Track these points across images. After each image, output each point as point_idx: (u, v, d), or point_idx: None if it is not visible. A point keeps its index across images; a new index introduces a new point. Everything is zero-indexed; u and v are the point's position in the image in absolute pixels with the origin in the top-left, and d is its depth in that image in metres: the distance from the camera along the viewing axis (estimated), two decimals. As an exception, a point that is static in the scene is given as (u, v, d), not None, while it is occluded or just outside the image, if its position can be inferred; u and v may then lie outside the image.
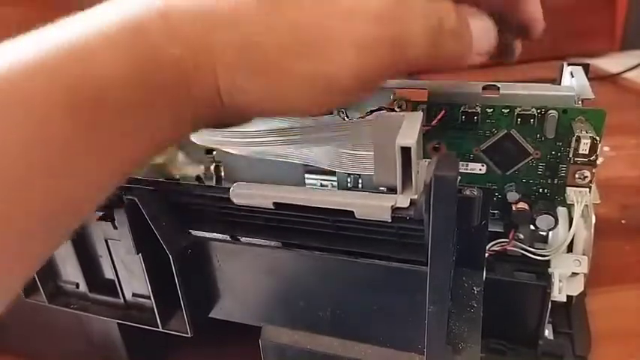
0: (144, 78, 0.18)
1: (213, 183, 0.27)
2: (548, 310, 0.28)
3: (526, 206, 0.27)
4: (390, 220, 0.20)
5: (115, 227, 0.25)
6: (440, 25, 0.20)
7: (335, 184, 0.31)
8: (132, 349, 0.32)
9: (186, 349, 0.32)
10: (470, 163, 0.29)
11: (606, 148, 0.57)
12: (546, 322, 0.29)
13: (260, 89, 0.19)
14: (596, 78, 0.77)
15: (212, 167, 0.26)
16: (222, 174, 0.27)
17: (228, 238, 0.25)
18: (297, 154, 0.26)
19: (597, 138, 0.26)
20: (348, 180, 0.31)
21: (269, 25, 0.18)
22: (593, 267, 0.30)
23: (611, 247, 0.40)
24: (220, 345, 0.31)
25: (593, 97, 0.27)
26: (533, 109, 0.27)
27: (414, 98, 0.28)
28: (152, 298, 0.26)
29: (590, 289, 0.34)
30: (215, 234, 0.25)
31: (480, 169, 0.29)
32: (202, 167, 0.26)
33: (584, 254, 0.28)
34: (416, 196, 0.21)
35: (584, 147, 0.26)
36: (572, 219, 0.27)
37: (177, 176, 0.31)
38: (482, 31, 0.22)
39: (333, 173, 0.30)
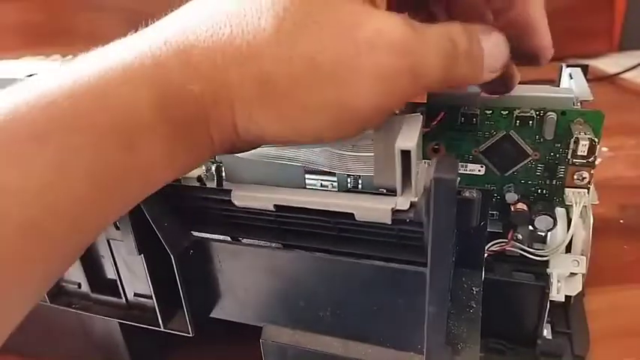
0: (165, 114, 0.18)
1: (215, 183, 0.27)
2: (547, 310, 0.28)
3: (525, 207, 0.28)
4: (390, 223, 0.21)
5: (117, 228, 0.25)
6: (454, 48, 0.20)
7: (335, 184, 0.31)
8: (133, 349, 0.32)
9: (187, 348, 0.33)
10: (469, 164, 0.29)
11: (604, 149, 0.57)
12: (545, 321, 0.29)
13: (276, 123, 0.19)
14: (594, 78, 0.78)
15: (213, 168, 0.27)
16: (224, 174, 0.27)
17: (229, 239, 0.25)
18: (298, 156, 0.26)
19: (596, 139, 0.26)
20: (349, 180, 0.31)
21: (286, 58, 0.18)
22: (592, 267, 0.30)
23: (609, 247, 0.40)
24: (221, 345, 0.31)
25: (592, 98, 0.28)
26: (532, 111, 0.27)
27: (413, 100, 0.28)
28: (154, 298, 0.26)
29: (588, 288, 0.34)
30: (216, 235, 0.25)
31: (479, 170, 0.29)
32: (204, 168, 0.27)
33: (582, 254, 0.28)
34: (416, 199, 0.21)
35: (583, 148, 0.26)
36: (571, 220, 0.27)
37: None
38: (493, 47, 0.22)
39: (333, 174, 0.30)
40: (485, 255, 0.24)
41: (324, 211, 0.22)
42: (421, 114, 0.23)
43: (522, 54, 0.24)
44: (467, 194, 0.19)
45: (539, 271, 0.28)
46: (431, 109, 0.28)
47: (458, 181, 0.18)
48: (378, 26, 0.18)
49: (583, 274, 0.28)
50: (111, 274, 0.28)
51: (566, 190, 0.28)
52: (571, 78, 0.31)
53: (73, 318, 0.31)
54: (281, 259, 0.24)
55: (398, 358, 0.23)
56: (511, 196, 0.28)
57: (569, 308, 0.32)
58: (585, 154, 0.26)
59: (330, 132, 0.20)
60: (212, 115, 0.18)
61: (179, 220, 0.25)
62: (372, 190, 0.24)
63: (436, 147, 0.29)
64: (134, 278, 0.28)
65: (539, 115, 0.27)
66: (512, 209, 0.28)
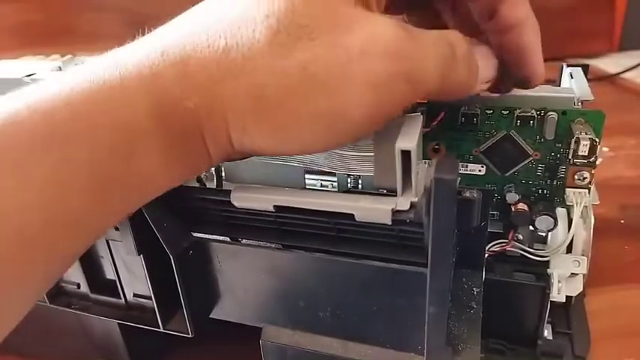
0: (162, 123, 0.18)
1: (214, 184, 0.27)
2: (548, 310, 0.28)
3: (525, 207, 0.28)
4: (390, 223, 0.21)
5: (117, 228, 0.25)
6: (452, 52, 0.20)
7: (335, 184, 0.31)
8: (133, 350, 0.32)
9: (186, 349, 0.33)
10: (469, 165, 0.29)
11: (605, 149, 0.57)
12: (545, 322, 0.29)
13: (270, 135, 0.19)
14: (594, 78, 0.78)
15: (213, 168, 0.27)
16: (223, 175, 0.27)
17: (228, 239, 0.25)
18: (297, 156, 0.26)
19: (596, 139, 0.26)
20: (349, 180, 0.31)
21: (280, 69, 0.17)
22: (593, 267, 0.30)
23: (610, 247, 0.40)
24: (221, 345, 0.31)
25: (593, 98, 0.28)
26: (533, 111, 0.27)
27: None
28: (153, 298, 0.26)
29: (589, 289, 0.34)
30: (216, 235, 0.25)
31: (480, 170, 0.29)
32: (203, 168, 0.27)
33: (583, 255, 0.28)
34: (416, 199, 0.21)
35: (584, 148, 0.26)
36: (572, 220, 0.27)
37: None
38: (484, 58, 0.22)
39: (333, 174, 0.30)
40: (486, 255, 0.24)
41: (323, 212, 0.22)
42: (421, 114, 0.23)
43: (513, 77, 0.24)
44: (467, 194, 0.19)
45: (540, 271, 0.28)
46: (431, 108, 0.27)
47: (458, 181, 0.18)
48: (370, 31, 0.18)
49: (584, 275, 0.28)
50: (110, 274, 0.28)
51: (567, 190, 0.28)
52: (572, 78, 0.31)
53: (73, 318, 0.31)
54: (281, 259, 0.24)
55: (398, 358, 0.23)
56: (512, 197, 0.28)
57: (569, 308, 0.32)
58: (586, 154, 0.26)
59: (324, 142, 0.19)
60: (206, 126, 0.19)
61: (178, 220, 0.25)
62: (372, 190, 0.24)
63: (436, 147, 0.29)
64: (133, 279, 0.28)
65: (539, 114, 0.27)
66: (513, 209, 0.28)
